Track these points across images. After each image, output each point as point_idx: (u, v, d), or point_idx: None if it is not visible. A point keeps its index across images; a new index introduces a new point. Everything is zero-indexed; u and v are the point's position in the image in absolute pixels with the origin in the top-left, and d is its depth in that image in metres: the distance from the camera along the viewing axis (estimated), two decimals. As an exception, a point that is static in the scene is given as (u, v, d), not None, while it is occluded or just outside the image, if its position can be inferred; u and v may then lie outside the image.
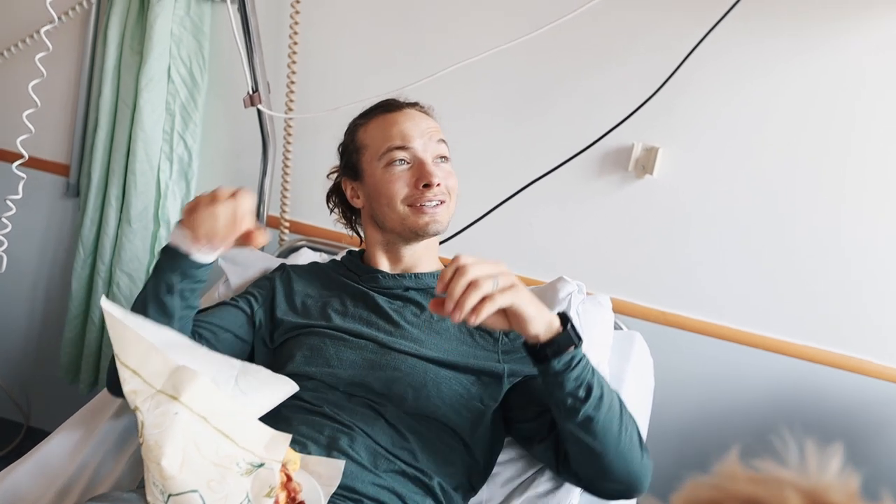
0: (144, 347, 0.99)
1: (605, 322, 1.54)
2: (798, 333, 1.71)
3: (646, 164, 1.67)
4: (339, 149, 1.40)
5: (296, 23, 1.74)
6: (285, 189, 1.86)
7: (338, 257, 1.49)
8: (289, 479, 1.00)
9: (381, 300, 1.29)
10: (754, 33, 1.58)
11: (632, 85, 1.63)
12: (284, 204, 1.87)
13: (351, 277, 1.35)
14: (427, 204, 1.26)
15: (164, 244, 1.83)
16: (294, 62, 1.76)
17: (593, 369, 1.05)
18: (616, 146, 1.69)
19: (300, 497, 1.00)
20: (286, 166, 1.84)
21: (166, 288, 1.14)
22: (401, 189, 1.27)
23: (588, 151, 1.66)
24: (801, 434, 0.46)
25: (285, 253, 1.73)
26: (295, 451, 1.05)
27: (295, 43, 1.75)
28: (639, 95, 1.60)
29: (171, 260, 1.13)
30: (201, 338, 1.22)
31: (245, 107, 1.68)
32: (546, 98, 1.71)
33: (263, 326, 1.30)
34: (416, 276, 1.33)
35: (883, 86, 1.56)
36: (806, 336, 1.71)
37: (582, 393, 1.03)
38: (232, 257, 1.54)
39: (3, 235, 1.80)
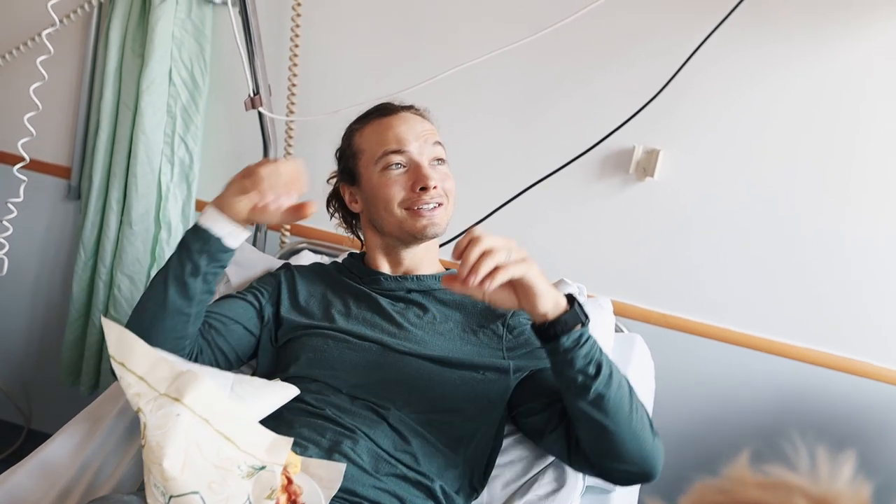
0: (154, 358, 1.02)
1: (606, 324, 1.54)
2: (799, 336, 1.71)
3: (647, 166, 1.67)
4: (336, 154, 1.40)
5: (297, 25, 1.75)
6: (286, 191, 1.86)
7: (339, 259, 1.49)
8: (289, 481, 1.00)
9: (384, 302, 1.29)
10: (756, 37, 1.58)
11: (633, 88, 1.63)
12: (285, 206, 1.87)
13: (353, 279, 1.35)
14: (424, 207, 1.26)
15: (164, 246, 1.85)
16: (295, 65, 1.77)
17: (601, 349, 1.07)
18: (617, 149, 1.69)
19: (301, 500, 1.00)
20: (287, 169, 1.84)
21: (192, 269, 1.13)
22: (397, 193, 1.27)
23: (589, 154, 1.66)
24: (810, 439, 0.45)
25: (286, 255, 1.73)
26: (296, 453, 1.05)
27: (296, 45, 1.75)
28: (640, 98, 1.61)
29: (201, 241, 1.13)
30: (211, 327, 1.22)
31: (246, 109, 1.68)
32: (547, 100, 1.71)
33: (270, 322, 1.30)
34: (418, 278, 1.33)
35: (883, 89, 1.56)
36: (807, 338, 1.71)
37: (592, 370, 1.04)
38: (234, 257, 1.54)
39: (4, 238, 1.80)
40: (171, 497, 0.92)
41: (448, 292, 1.33)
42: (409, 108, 1.36)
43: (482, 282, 1.00)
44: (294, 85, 1.78)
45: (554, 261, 1.78)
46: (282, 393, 1.13)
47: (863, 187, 1.61)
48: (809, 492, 0.43)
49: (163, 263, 1.83)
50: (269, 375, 1.26)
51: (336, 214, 1.45)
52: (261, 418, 1.08)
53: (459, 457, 1.17)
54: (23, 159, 1.76)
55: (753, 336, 1.73)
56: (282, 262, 1.53)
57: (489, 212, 1.71)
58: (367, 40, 1.77)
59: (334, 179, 1.44)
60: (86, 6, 1.81)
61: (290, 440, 1.02)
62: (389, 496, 1.08)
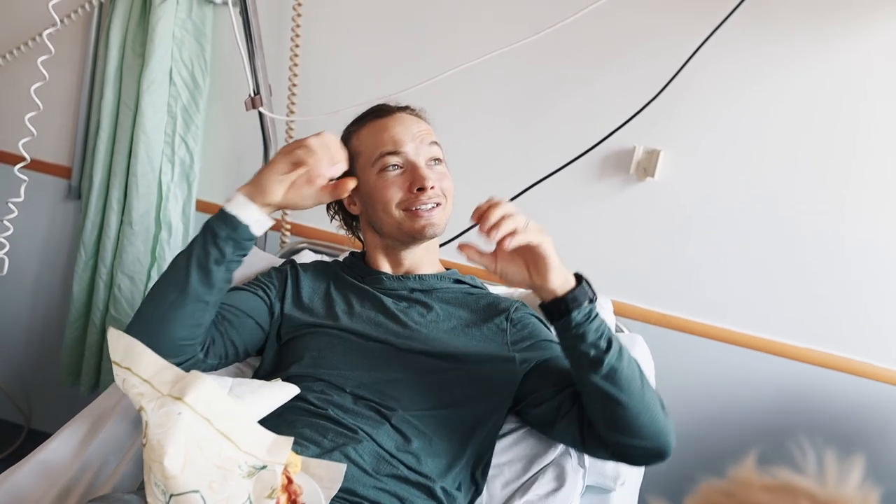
0: (161, 364, 1.03)
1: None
2: (799, 336, 1.72)
3: (647, 166, 1.67)
4: None
5: (297, 25, 1.75)
6: (287, 191, 1.86)
7: (340, 258, 1.49)
8: (290, 481, 1.00)
9: (388, 301, 1.30)
10: (756, 37, 1.58)
11: (633, 88, 1.63)
12: (286, 206, 1.87)
13: (355, 278, 1.36)
14: (422, 207, 1.26)
15: (164, 246, 1.85)
16: (296, 65, 1.77)
17: (608, 327, 1.10)
18: (617, 149, 1.69)
19: (301, 499, 1.00)
20: (287, 169, 1.84)
21: (217, 256, 1.13)
22: (395, 194, 1.27)
23: (589, 154, 1.66)
24: (818, 443, 0.45)
25: (287, 255, 1.74)
26: (296, 453, 1.05)
27: (296, 45, 1.75)
28: (640, 98, 1.61)
29: (229, 227, 1.12)
30: (224, 319, 1.22)
31: (246, 109, 1.68)
32: (548, 101, 1.71)
33: (278, 318, 1.30)
34: (420, 277, 1.34)
35: (883, 89, 1.56)
36: (807, 338, 1.71)
37: (603, 344, 1.07)
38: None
39: (4, 238, 1.80)
40: (171, 496, 0.92)
41: (450, 291, 1.33)
42: (405, 108, 1.36)
43: (502, 240, 1.03)
44: (294, 85, 1.78)
45: (554, 261, 1.78)
46: (282, 393, 1.13)
47: (863, 187, 1.61)
48: (816, 496, 0.43)
49: (163, 263, 1.86)
50: (272, 372, 1.27)
51: (336, 216, 1.45)
52: (261, 417, 1.08)
53: (465, 451, 1.17)
54: (23, 159, 1.76)
55: (753, 336, 1.73)
56: (282, 261, 1.53)
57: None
58: (368, 40, 1.77)
59: None
60: (86, 6, 1.82)
61: (291, 440, 1.02)
62: (389, 496, 1.08)
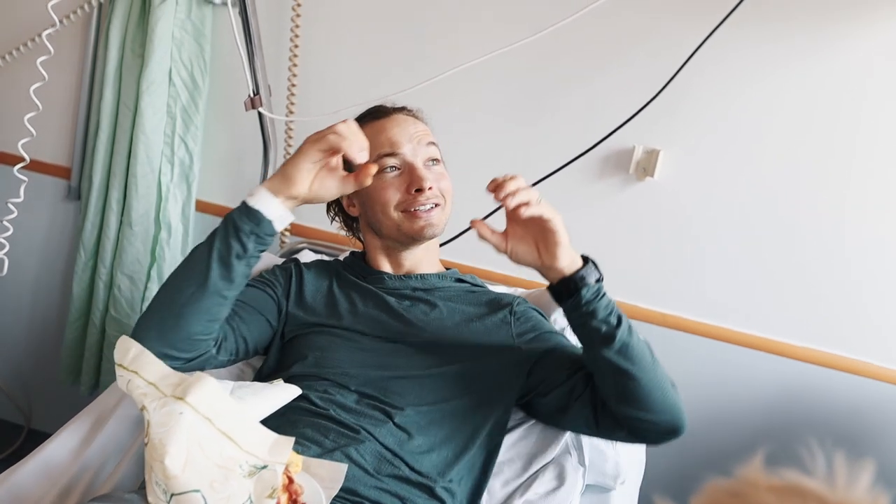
0: (167, 371, 1.04)
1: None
2: (799, 335, 1.72)
3: (647, 166, 1.67)
4: None
5: (297, 25, 1.75)
6: (286, 192, 1.86)
7: (341, 257, 1.49)
8: (290, 480, 1.00)
9: (391, 300, 1.30)
10: (756, 37, 1.58)
11: (633, 87, 1.63)
12: (285, 206, 1.87)
13: (357, 277, 1.36)
14: (421, 208, 1.26)
15: (164, 246, 1.85)
16: (295, 65, 1.77)
17: (616, 304, 1.13)
18: (617, 149, 1.69)
19: (302, 499, 1.00)
20: (287, 169, 1.84)
21: (240, 250, 1.11)
22: (393, 195, 1.27)
23: (589, 154, 1.66)
24: (821, 442, 0.44)
25: (287, 255, 1.74)
26: (298, 453, 1.05)
27: (296, 46, 1.75)
28: (640, 98, 1.61)
29: (253, 222, 1.10)
30: (236, 315, 1.22)
31: (246, 110, 1.68)
32: (547, 101, 1.71)
33: (284, 316, 1.30)
34: (422, 276, 1.34)
35: (883, 89, 1.56)
36: (807, 338, 1.71)
37: (614, 319, 1.09)
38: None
39: (4, 238, 1.80)
40: (172, 495, 0.92)
41: (452, 289, 1.34)
42: (402, 109, 1.35)
43: (516, 210, 1.05)
44: (294, 85, 1.78)
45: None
46: (283, 394, 1.13)
47: (863, 187, 1.61)
48: (826, 499, 0.42)
49: (163, 264, 1.86)
50: (275, 371, 1.27)
51: (336, 218, 1.45)
52: (265, 416, 1.08)
53: (471, 444, 1.17)
54: (23, 160, 1.76)
55: (754, 336, 1.73)
56: (283, 260, 1.53)
57: (489, 212, 1.71)
58: (367, 40, 1.77)
59: None
60: (86, 7, 1.81)
61: (292, 440, 1.02)
62: (390, 496, 1.08)
